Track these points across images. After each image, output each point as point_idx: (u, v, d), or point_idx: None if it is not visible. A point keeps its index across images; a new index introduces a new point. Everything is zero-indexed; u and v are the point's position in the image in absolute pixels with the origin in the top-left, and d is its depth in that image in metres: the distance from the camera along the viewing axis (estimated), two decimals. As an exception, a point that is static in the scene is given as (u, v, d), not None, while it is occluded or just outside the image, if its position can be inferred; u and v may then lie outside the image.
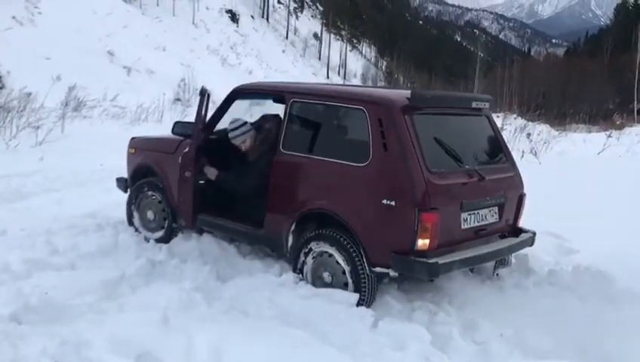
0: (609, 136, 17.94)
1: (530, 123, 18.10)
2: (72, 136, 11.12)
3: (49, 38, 20.49)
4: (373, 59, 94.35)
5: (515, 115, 22.14)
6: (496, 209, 4.46)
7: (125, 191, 5.79)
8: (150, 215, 5.45)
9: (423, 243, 3.87)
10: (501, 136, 4.88)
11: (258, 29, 60.16)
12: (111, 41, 24.73)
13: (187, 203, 4.92)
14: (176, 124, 5.33)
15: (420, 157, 3.96)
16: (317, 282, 4.31)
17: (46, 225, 5.46)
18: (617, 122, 33.61)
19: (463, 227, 4.18)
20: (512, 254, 4.73)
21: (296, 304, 3.95)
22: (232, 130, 4.99)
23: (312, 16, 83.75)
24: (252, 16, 62.90)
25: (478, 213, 4.28)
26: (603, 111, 47.73)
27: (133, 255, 4.82)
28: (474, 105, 4.58)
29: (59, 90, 13.52)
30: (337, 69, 72.87)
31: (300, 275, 4.38)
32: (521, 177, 4.76)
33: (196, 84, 21.19)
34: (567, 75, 57.69)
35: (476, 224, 4.29)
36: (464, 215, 4.17)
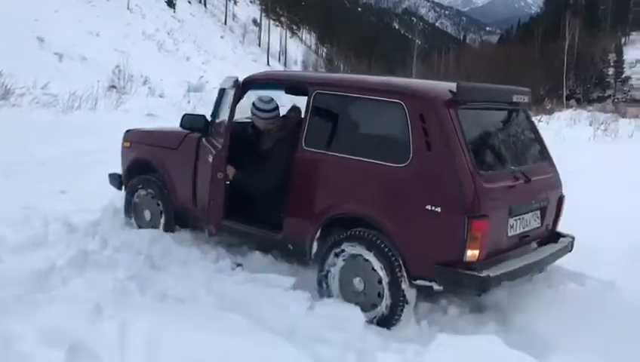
0: (539, 120, 18.57)
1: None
2: (-1, 126, 10.67)
3: (-28, 23, 19.53)
4: (313, 47, 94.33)
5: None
6: (538, 213, 4.13)
7: (119, 188, 5.51)
8: (147, 214, 5.21)
9: (472, 254, 3.49)
10: (539, 133, 4.54)
11: (195, 15, 59.16)
12: (41, 26, 23.77)
13: (218, 207, 4.31)
14: (184, 116, 4.88)
15: (467, 157, 3.58)
16: (345, 288, 3.92)
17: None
18: (547, 107, 34.84)
19: (509, 234, 3.83)
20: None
21: (233, 290, 3.97)
22: (264, 110, 4.62)
23: (251, 2, 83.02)
24: (189, 2, 61.76)
25: (523, 218, 3.94)
26: (534, 97, 49.34)
27: (65, 245, 4.68)
28: (514, 98, 4.18)
29: (-16, 77, 12.95)
30: (278, 55, 72.52)
31: (325, 284, 3.99)
32: (559, 177, 4.43)
33: (131, 70, 20.66)
34: (501, 62, 59.31)
35: (521, 230, 3.94)
36: (511, 221, 3.82)
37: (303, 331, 3.51)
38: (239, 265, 4.57)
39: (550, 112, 27.18)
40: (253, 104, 4.63)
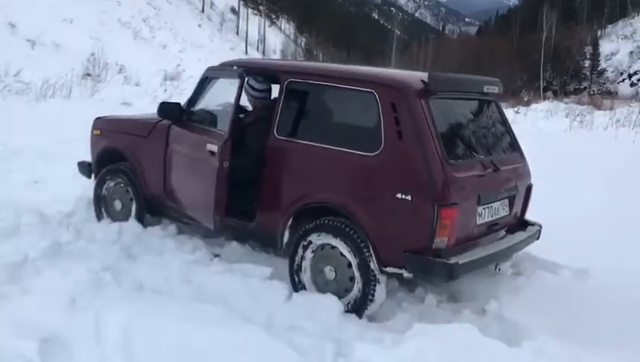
0: (517, 112, 18.77)
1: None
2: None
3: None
4: (292, 36, 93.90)
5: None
6: (507, 202, 4.20)
7: (89, 177, 5.44)
8: (117, 204, 5.13)
9: (441, 241, 3.55)
10: (509, 123, 4.61)
11: (172, 2, 58.34)
12: (12, 11, 23.29)
13: (222, 196, 4.14)
14: (162, 104, 4.76)
15: (437, 146, 3.62)
16: (317, 278, 3.95)
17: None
18: (525, 99, 35.21)
19: (478, 222, 3.89)
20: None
21: (210, 280, 3.93)
22: (256, 89, 4.64)
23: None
24: (166, -11, 60.89)
25: (492, 206, 4.00)
26: (512, 89, 49.86)
27: (38, 236, 4.58)
28: (485, 89, 4.24)
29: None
30: (256, 44, 72.05)
31: (297, 277, 4.01)
32: (528, 167, 4.51)
33: (107, 58, 20.38)
34: (479, 53, 59.68)
35: (490, 219, 4.01)
36: (480, 209, 3.88)
37: (280, 321, 3.51)
38: (217, 255, 4.54)
39: (527, 104, 27.49)
40: (248, 82, 4.58)
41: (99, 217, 5.19)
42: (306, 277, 3.99)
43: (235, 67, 4.43)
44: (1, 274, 3.83)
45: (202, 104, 4.60)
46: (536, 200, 4.52)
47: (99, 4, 37.73)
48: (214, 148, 4.11)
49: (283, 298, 3.77)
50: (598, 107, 25.29)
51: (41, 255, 4.20)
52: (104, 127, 5.33)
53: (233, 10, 72.51)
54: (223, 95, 4.43)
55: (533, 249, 4.54)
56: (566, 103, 26.66)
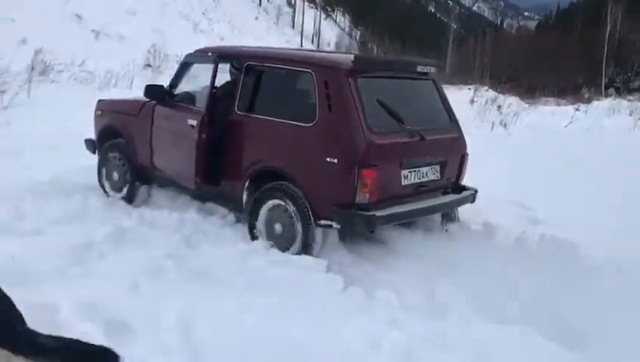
0: (577, 109, 18.22)
1: (500, 95, 18.26)
2: (38, 101, 10.85)
3: (14, 0, 19.84)
4: (347, 29, 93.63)
5: (486, 88, 22.30)
6: (437, 167, 4.75)
7: (93, 153, 5.97)
8: (115, 175, 5.68)
9: (363, 197, 4.15)
10: (446, 100, 5.11)
11: (230, -5, 59.03)
12: (79, 4, 24.05)
13: (201, 165, 4.90)
14: (147, 87, 5.46)
15: (361, 117, 4.21)
16: (269, 232, 4.55)
17: (12, 191, 5.35)
18: (586, 96, 34.08)
19: (403, 183, 4.46)
20: (458, 210, 5.14)
21: (266, 270, 3.98)
22: (236, 69, 5.11)
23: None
24: (224, -18, 61.64)
25: (419, 170, 4.57)
26: (572, 85, 48.38)
27: (102, 221, 4.76)
28: (419, 69, 4.79)
29: (24, 53, 13.15)
30: (311, 37, 72.16)
31: (254, 229, 4.61)
32: (464, 138, 5.03)
33: (167, 49, 20.80)
34: (538, 48, 58.08)
35: (417, 181, 4.58)
36: (404, 172, 4.46)
37: (333, 312, 3.52)
38: (273, 246, 4.59)
39: (588, 101, 26.56)
40: (231, 64, 5.21)
41: (103, 188, 5.75)
42: (262, 228, 4.59)
43: (210, 53, 5.12)
44: (67, 257, 3.99)
45: (182, 86, 5.31)
46: (609, 202, 4.43)
47: (161, -4, 38.52)
48: (194, 122, 4.83)
49: (338, 291, 3.79)
50: (665, 105, 24.20)
51: (105, 239, 4.35)
52: (104, 107, 6.01)
53: (289, 3, 72.81)
54: (201, 77, 5.13)
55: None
56: (629, 101, 25.60)
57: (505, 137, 11.89)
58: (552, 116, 17.10)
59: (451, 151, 4.91)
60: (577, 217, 5.32)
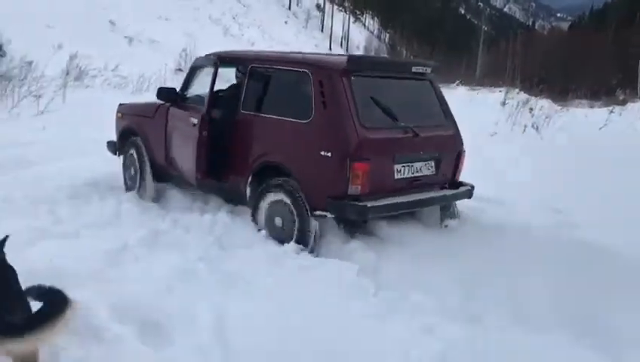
0: (611, 111, 17.83)
1: (532, 98, 17.99)
2: (73, 106, 11.09)
3: (50, 7, 20.29)
4: (376, 32, 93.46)
5: (517, 90, 22.00)
6: (432, 163, 4.96)
7: (114, 153, 6.35)
8: (132, 170, 6.06)
9: (355, 189, 4.38)
10: (443, 99, 5.33)
11: (260, 0, 59.48)
12: (113, 10, 24.48)
13: (202, 162, 5.15)
14: (160, 89, 5.76)
15: (354, 114, 4.44)
16: (269, 225, 4.78)
17: (49, 194, 5.49)
18: (620, 98, 33.37)
19: (396, 177, 4.68)
20: (457, 206, 5.34)
21: (297, 273, 4.02)
22: (241, 73, 5.36)
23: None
24: (254, -14, 62.04)
25: (412, 165, 4.78)
26: (606, 87, 47.42)
27: (137, 224, 4.85)
28: (414, 70, 5.04)
29: (60, 59, 13.43)
30: (340, 40, 72.22)
31: (257, 221, 4.85)
32: (460, 136, 5.23)
33: (198, 54, 20.99)
34: (571, 49, 57.13)
35: (410, 175, 4.79)
36: (397, 166, 4.68)
37: (365, 312, 3.52)
38: (303, 249, 4.61)
39: (623, 103, 26.01)
40: (237, 68, 5.52)
41: (126, 185, 6.12)
42: (262, 221, 4.83)
43: (211, 57, 5.41)
44: (103, 259, 4.06)
45: (193, 88, 5.63)
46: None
47: (192, 1, 39.05)
48: (195, 121, 5.11)
49: (369, 293, 3.80)
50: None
51: (140, 242, 4.42)
52: (124, 110, 6.39)
53: (318, 7, 73.02)
54: (207, 79, 5.35)
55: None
56: (667, 103, 25.01)
57: (537, 140, 11.73)
58: (585, 119, 16.80)
59: (446, 147, 5.09)
60: (614, 221, 5.22)
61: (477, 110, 14.68)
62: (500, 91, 19.25)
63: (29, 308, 2.56)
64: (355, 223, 4.80)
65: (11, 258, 3.90)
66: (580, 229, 5.26)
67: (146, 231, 4.59)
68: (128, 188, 6.08)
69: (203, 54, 5.78)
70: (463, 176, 5.30)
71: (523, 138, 12.06)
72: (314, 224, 4.60)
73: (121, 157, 6.29)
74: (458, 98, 17.01)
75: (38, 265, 3.74)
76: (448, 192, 5.12)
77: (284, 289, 3.77)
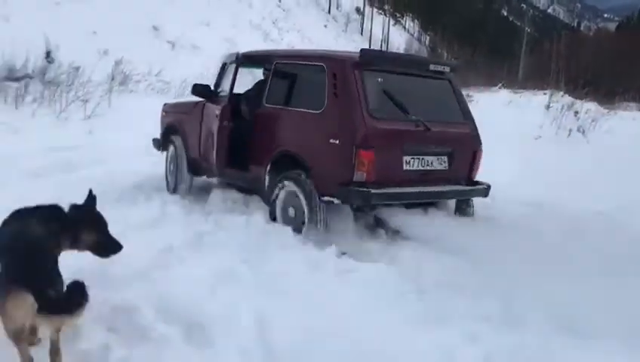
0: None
1: (577, 101, 17.58)
2: (118, 110, 11.36)
3: (96, 13, 20.78)
4: (416, 34, 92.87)
5: (562, 93, 21.53)
6: (445, 158, 5.10)
7: (159, 150, 6.70)
8: (172, 166, 6.46)
9: (360, 175, 4.55)
10: (462, 98, 5.54)
11: (300, 4, 59.75)
12: (156, 16, 24.94)
13: (222, 152, 5.50)
14: (194, 86, 6.10)
15: (363, 104, 4.65)
16: (283, 214, 5.07)
17: (97, 196, 5.59)
18: (669, 101, 32.27)
19: (405, 168, 4.84)
20: (473, 205, 5.45)
21: (336, 276, 4.04)
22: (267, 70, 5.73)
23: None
24: (294, -9, 62.40)
25: (423, 158, 4.93)
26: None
27: (181, 226, 4.93)
28: (432, 67, 5.21)
29: (105, 64, 13.76)
30: (380, 44, 72.01)
31: (273, 209, 5.11)
32: (479, 135, 5.37)
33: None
34: (618, 51, 55.66)
35: (420, 168, 4.93)
36: (407, 158, 4.84)
37: (406, 316, 3.50)
38: (344, 253, 4.61)
39: (672, 106, 25.22)
40: (264, 66, 5.87)
41: (167, 182, 6.50)
42: (278, 211, 5.10)
43: (234, 54, 5.81)
44: (149, 261, 4.14)
45: (224, 84, 5.89)
46: None
47: (232, 6, 39.46)
48: (217, 112, 5.43)
49: (411, 298, 3.78)
50: None
51: (184, 244, 4.49)
52: (167, 109, 6.90)
53: (358, 10, 72.96)
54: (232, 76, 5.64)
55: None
56: None
57: (583, 143, 11.47)
58: (633, 122, 16.36)
59: (460, 144, 5.21)
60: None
61: (520, 113, 14.43)
62: (544, 94, 18.83)
63: (63, 283, 2.77)
64: (363, 210, 5.02)
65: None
66: (627, 235, 5.11)
67: (190, 233, 4.68)
68: (169, 186, 6.44)
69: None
70: (504, 178, 5.25)
71: (568, 141, 11.82)
72: (322, 210, 4.79)
73: (164, 153, 6.66)
74: (501, 101, 16.77)
75: (86, 265, 3.84)
76: (462, 188, 5.22)
77: (325, 292, 3.78)
